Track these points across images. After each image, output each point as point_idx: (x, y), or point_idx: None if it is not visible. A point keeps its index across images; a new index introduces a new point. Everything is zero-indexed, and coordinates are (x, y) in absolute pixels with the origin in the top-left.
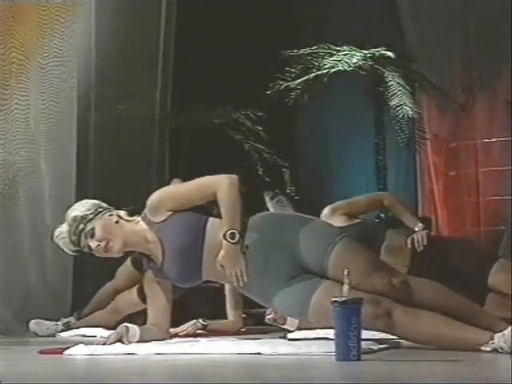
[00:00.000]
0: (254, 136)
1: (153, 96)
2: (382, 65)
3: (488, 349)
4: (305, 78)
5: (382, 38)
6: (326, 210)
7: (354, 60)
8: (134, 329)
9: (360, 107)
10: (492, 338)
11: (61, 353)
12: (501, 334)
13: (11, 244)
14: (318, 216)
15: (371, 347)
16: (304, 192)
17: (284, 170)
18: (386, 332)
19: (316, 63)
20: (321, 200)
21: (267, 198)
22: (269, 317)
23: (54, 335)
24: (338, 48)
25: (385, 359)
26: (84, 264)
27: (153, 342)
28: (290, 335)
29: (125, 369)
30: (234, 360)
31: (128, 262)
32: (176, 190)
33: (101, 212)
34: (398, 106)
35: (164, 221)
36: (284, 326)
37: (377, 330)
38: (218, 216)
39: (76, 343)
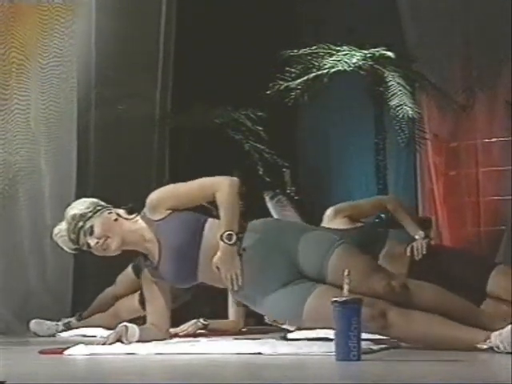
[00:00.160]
0: (254, 136)
1: (153, 96)
2: (382, 65)
3: (484, 347)
4: (305, 78)
5: (381, 38)
6: (329, 211)
7: (354, 60)
8: (133, 328)
9: (360, 107)
10: (488, 338)
11: (61, 353)
12: (498, 332)
13: (11, 244)
14: (319, 216)
15: (371, 347)
16: (304, 192)
17: (284, 170)
18: (381, 334)
19: (316, 63)
20: (321, 200)
21: (267, 198)
22: None
23: (54, 335)
24: (338, 48)
25: (385, 359)
26: (84, 264)
27: (153, 342)
28: (289, 335)
29: (125, 369)
30: (234, 360)
31: (129, 269)
32: (176, 189)
33: (99, 210)
34: (398, 106)
35: (163, 219)
36: (284, 326)
37: (371, 333)
38: (218, 217)
39: (76, 343)
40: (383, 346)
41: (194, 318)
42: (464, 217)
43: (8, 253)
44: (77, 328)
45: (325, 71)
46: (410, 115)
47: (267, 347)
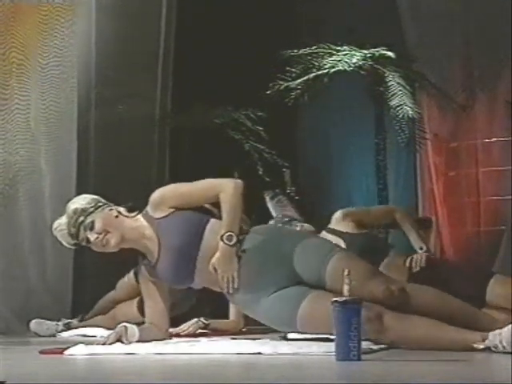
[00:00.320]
0: (254, 136)
1: (153, 96)
2: (382, 65)
3: (481, 347)
4: (305, 78)
5: (382, 38)
6: (338, 214)
7: (354, 60)
8: (132, 328)
9: (360, 107)
10: (486, 338)
11: (61, 353)
12: (497, 332)
13: (11, 244)
14: (319, 216)
15: (371, 347)
16: (304, 192)
17: (284, 170)
18: (376, 338)
19: (316, 63)
20: (321, 200)
21: (267, 198)
22: None
23: (54, 335)
24: (338, 48)
25: (385, 359)
26: (84, 264)
27: (153, 342)
28: (290, 335)
29: (125, 369)
30: (234, 360)
31: (131, 274)
32: (180, 189)
33: (101, 206)
34: (398, 106)
35: (165, 217)
36: None
37: (367, 337)
38: (220, 218)
39: (76, 343)
40: (383, 346)
41: (194, 318)
42: (464, 217)
43: (8, 253)
44: (77, 328)
45: (325, 71)
46: (410, 115)
47: (267, 347)
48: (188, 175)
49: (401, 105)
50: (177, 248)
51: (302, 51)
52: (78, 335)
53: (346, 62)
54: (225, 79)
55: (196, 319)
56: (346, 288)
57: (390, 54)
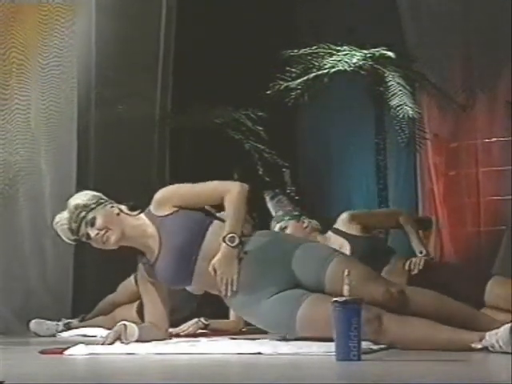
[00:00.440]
0: (255, 136)
1: (153, 96)
2: (382, 65)
3: (479, 346)
4: (305, 78)
5: (382, 38)
6: (344, 215)
7: (354, 60)
8: (132, 327)
9: (360, 107)
10: (483, 337)
11: (61, 353)
12: (494, 331)
13: (11, 244)
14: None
15: (371, 347)
16: (304, 192)
17: (284, 170)
18: (375, 339)
19: (316, 63)
20: (321, 200)
21: (267, 198)
22: None
23: (54, 335)
24: (339, 48)
25: (385, 359)
26: (84, 264)
27: (153, 342)
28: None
29: (125, 369)
30: (234, 360)
31: (131, 278)
32: (185, 188)
33: (103, 203)
34: (398, 106)
35: (168, 215)
36: None
37: (366, 337)
38: (221, 221)
39: (76, 343)
40: (383, 346)
41: (194, 318)
42: (464, 217)
43: (8, 253)
44: (77, 328)
45: (325, 71)
46: (411, 115)
47: (267, 347)
48: (188, 175)
49: (401, 105)
50: (178, 246)
51: (302, 51)
52: (78, 335)
53: (346, 61)
54: (225, 79)
55: (196, 319)
56: (346, 288)
57: (389, 53)
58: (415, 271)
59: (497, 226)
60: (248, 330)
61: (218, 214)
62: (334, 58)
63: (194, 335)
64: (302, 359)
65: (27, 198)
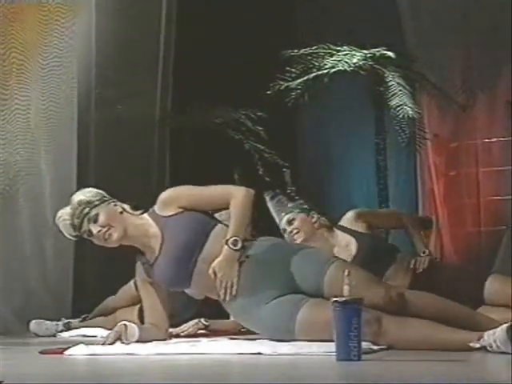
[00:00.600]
0: (255, 136)
1: (153, 96)
2: (382, 65)
3: (477, 346)
4: (305, 78)
5: (382, 38)
6: (350, 214)
7: (355, 60)
8: (132, 327)
9: (360, 107)
10: (481, 337)
11: (61, 353)
12: (491, 331)
13: (11, 244)
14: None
15: (371, 347)
16: (304, 192)
17: (284, 170)
18: (375, 340)
19: (316, 63)
20: (321, 200)
21: (267, 198)
22: None
23: (54, 335)
24: (339, 48)
25: (385, 359)
26: (84, 264)
27: (153, 343)
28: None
29: (125, 369)
30: (235, 360)
31: (131, 283)
32: (192, 190)
33: (106, 201)
34: (398, 106)
35: (172, 215)
36: None
37: (365, 339)
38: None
39: (76, 343)
40: (383, 346)
41: (194, 318)
42: (464, 217)
43: (8, 253)
44: (77, 328)
45: (325, 71)
46: (411, 115)
47: (267, 347)
48: (188, 175)
49: (401, 105)
50: (180, 246)
51: (302, 51)
52: (78, 335)
53: (346, 62)
54: (225, 79)
55: (196, 320)
56: (346, 288)
57: (389, 54)
58: (420, 269)
59: (497, 226)
60: (248, 331)
61: (217, 215)
62: (334, 58)
63: (194, 335)
64: (302, 359)
65: (27, 198)
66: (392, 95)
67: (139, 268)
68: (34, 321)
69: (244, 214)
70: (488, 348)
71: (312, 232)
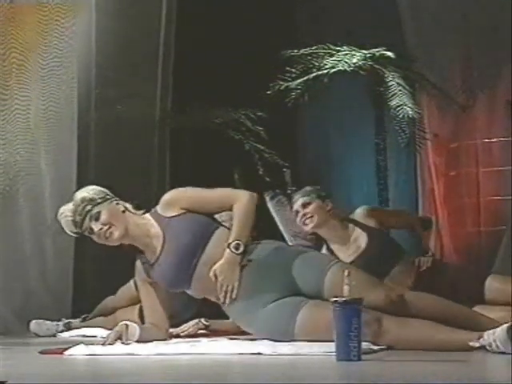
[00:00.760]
0: (255, 136)
1: (153, 96)
2: (382, 65)
3: (477, 345)
4: (305, 78)
5: (382, 38)
6: (360, 210)
7: (354, 60)
8: (133, 327)
9: (360, 107)
10: (481, 336)
11: (61, 353)
12: (491, 331)
13: (11, 244)
14: None
15: (371, 347)
16: None
17: (284, 170)
18: (375, 341)
19: (316, 63)
20: None
21: (267, 198)
22: None
23: (54, 335)
24: (338, 48)
25: (385, 359)
26: (84, 264)
27: (153, 343)
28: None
29: (125, 369)
30: (235, 360)
31: (131, 283)
32: (195, 192)
33: (108, 199)
34: (398, 107)
35: (175, 216)
36: None
37: (365, 339)
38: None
39: (76, 343)
40: (383, 346)
41: (194, 318)
42: (464, 217)
43: (8, 253)
44: (77, 328)
45: (325, 71)
46: (411, 115)
47: (267, 347)
48: (188, 175)
49: (401, 105)
50: (181, 247)
51: (302, 51)
52: (78, 335)
53: (346, 62)
54: (225, 79)
55: (196, 320)
56: (346, 288)
57: (389, 54)
58: (423, 268)
59: (497, 226)
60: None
61: (217, 216)
62: (334, 58)
63: (194, 336)
64: (302, 359)
65: (27, 199)
66: (392, 95)
67: (139, 268)
68: (34, 321)
69: (247, 218)
70: (488, 348)
71: (325, 220)
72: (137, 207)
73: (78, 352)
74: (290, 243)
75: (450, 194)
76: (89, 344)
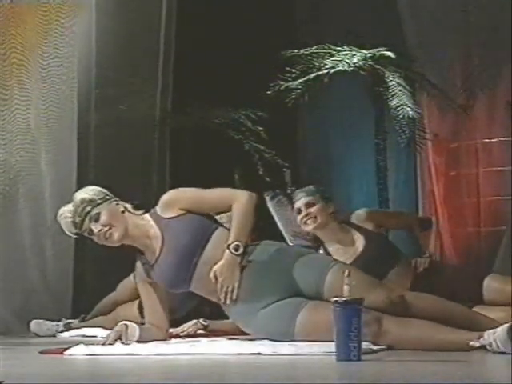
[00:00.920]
0: (254, 136)
1: (153, 96)
2: (382, 65)
3: (477, 345)
4: (305, 78)
5: (382, 38)
6: (360, 212)
7: (355, 60)
8: (133, 327)
9: (360, 107)
10: (481, 336)
11: (61, 353)
12: (492, 331)
13: (12, 244)
14: None
15: (371, 347)
16: None
17: (284, 170)
18: (375, 341)
19: (316, 63)
20: None
21: (267, 198)
22: None
23: (54, 335)
24: (338, 48)
25: (385, 359)
26: (84, 264)
27: (153, 343)
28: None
29: (125, 369)
30: (234, 360)
31: (131, 277)
32: (194, 192)
33: (108, 200)
34: (398, 107)
35: (174, 217)
36: None
37: (365, 339)
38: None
39: (76, 343)
40: (383, 346)
41: (194, 319)
42: (464, 217)
43: (8, 253)
44: (77, 328)
45: (325, 71)
46: (411, 115)
47: (267, 347)
48: (188, 175)
49: (401, 105)
50: (181, 248)
51: (302, 51)
52: (78, 335)
53: (346, 62)
54: (225, 79)
55: (195, 320)
56: (346, 288)
57: (389, 54)
58: (420, 269)
59: (497, 226)
60: None
61: (217, 217)
62: (334, 58)
63: (194, 336)
64: (302, 359)
65: (27, 199)
66: (392, 95)
67: (139, 268)
68: (34, 321)
69: (246, 219)
70: (488, 347)
71: (326, 222)
72: (136, 207)
73: (78, 352)
74: (290, 243)
75: (450, 194)
76: (89, 344)
